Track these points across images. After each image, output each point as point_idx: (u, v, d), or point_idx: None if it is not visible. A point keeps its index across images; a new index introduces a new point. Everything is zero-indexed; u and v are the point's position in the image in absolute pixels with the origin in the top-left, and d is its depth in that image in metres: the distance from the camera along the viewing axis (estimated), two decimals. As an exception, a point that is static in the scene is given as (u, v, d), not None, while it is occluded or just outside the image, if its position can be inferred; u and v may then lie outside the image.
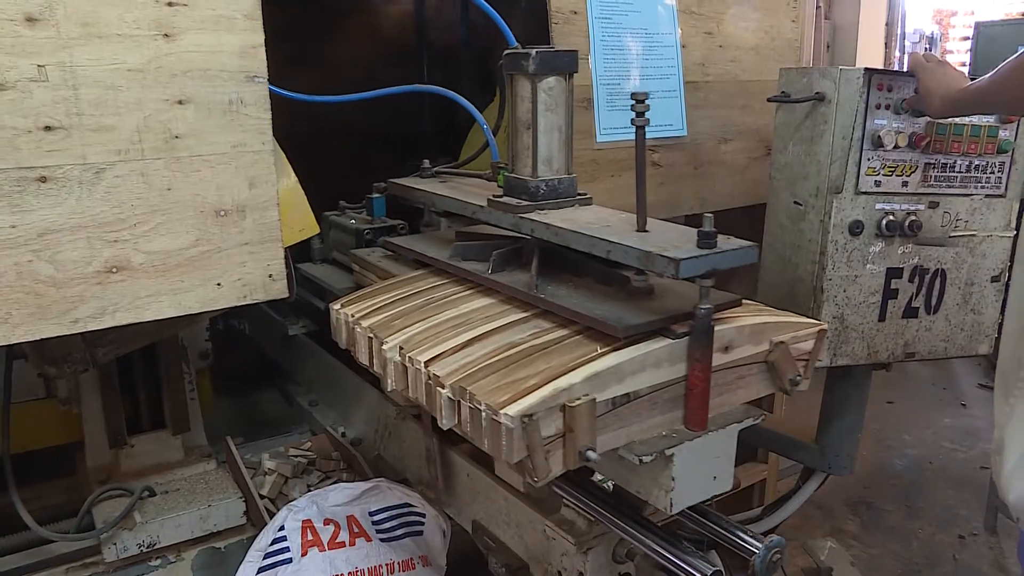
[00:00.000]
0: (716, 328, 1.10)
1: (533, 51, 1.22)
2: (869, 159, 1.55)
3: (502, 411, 0.99)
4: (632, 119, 1.12)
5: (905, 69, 1.51)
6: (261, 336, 2.21)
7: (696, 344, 1.08)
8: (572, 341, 1.11)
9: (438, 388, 1.06)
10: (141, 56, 1.13)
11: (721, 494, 1.14)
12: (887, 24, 4.56)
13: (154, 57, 1.13)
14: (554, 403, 1.00)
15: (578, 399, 1.01)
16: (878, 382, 1.81)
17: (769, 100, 1.62)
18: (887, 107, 1.53)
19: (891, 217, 1.57)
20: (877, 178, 1.56)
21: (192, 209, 1.21)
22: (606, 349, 1.07)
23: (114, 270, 1.16)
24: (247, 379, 2.19)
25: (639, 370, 1.06)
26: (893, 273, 1.59)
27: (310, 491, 1.58)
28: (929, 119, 1.54)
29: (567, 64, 1.24)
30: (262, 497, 1.63)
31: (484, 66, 2.01)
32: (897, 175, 1.56)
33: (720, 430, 1.13)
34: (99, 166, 1.13)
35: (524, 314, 1.19)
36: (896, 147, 1.54)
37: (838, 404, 1.77)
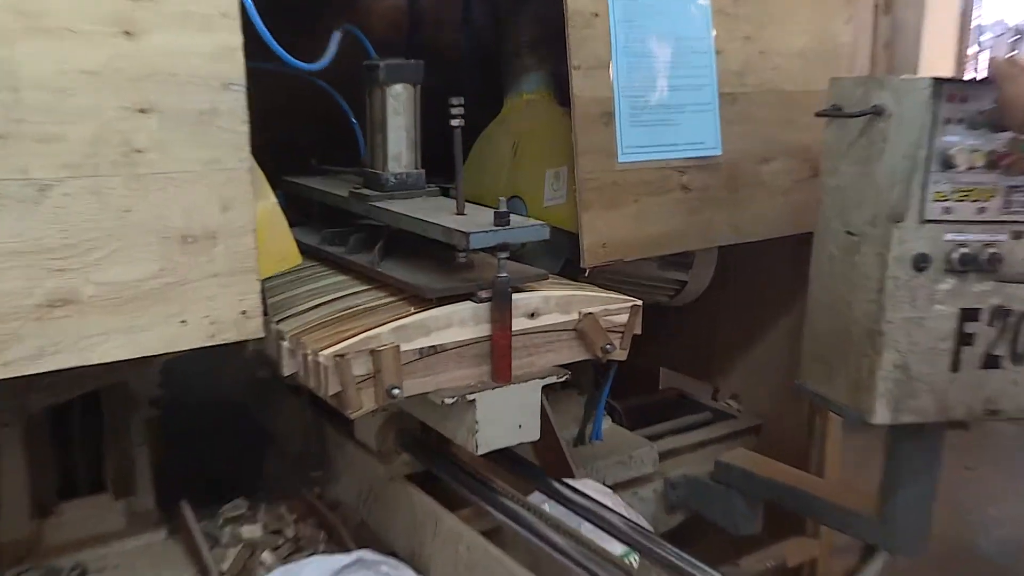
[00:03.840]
0: (522, 296, 1.44)
1: (382, 63, 1.58)
2: (937, 182, 1.48)
3: (321, 352, 1.30)
4: (450, 122, 1.40)
5: (984, 75, 1.41)
6: (225, 379, 2.20)
7: (496, 307, 1.39)
8: (396, 304, 1.44)
9: (279, 341, 1.38)
10: (97, 56, 1.11)
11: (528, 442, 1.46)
12: (961, 14, 3.89)
13: (113, 57, 1.14)
14: (364, 347, 1.31)
15: (385, 345, 1.31)
16: (954, 444, 1.73)
17: (818, 115, 1.60)
18: (960, 121, 1.44)
19: (964, 250, 1.50)
20: (947, 204, 1.50)
21: (154, 235, 1.21)
22: (418, 309, 1.39)
23: (58, 304, 1.14)
24: (207, 431, 2.17)
25: (444, 326, 1.38)
26: (968, 315, 1.54)
27: (281, 566, 1.56)
28: (1014, 135, 1.44)
29: (412, 74, 1.59)
30: (222, 574, 1.58)
31: (489, 69, 2.01)
32: (972, 200, 1.50)
33: (523, 383, 1.44)
34: (44, 182, 1.12)
35: (366, 286, 1.55)
36: (971, 168, 1.47)
37: (904, 469, 1.70)
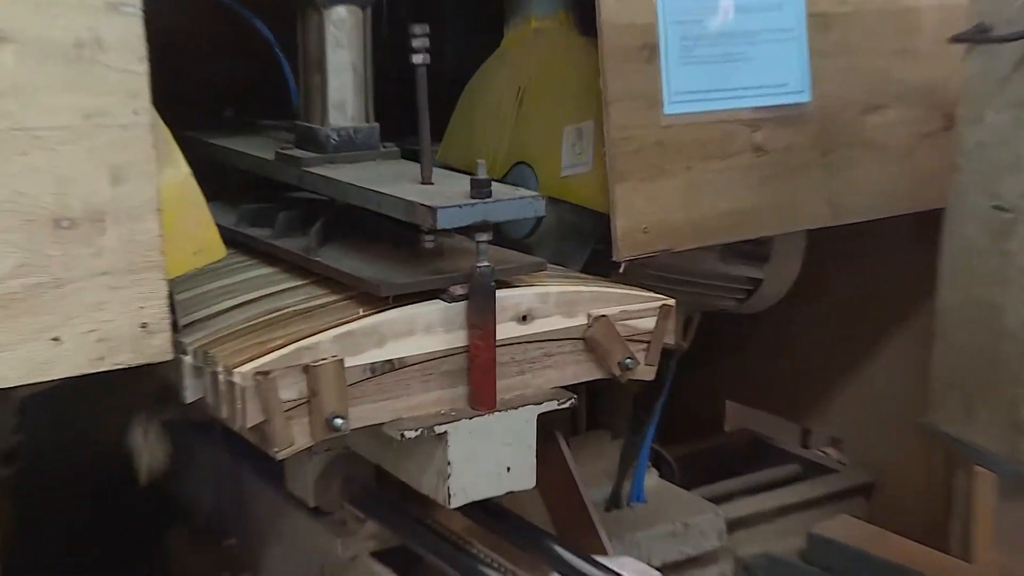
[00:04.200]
0: (511, 294, 1.46)
1: None
2: None
3: (236, 370, 1.30)
4: (411, 58, 1.40)
5: None
6: (111, 423, 2.21)
7: (475, 308, 1.41)
8: (340, 305, 1.45)
9: (179, 356, 1.37)
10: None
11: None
12: None
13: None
14: (295, 362, 1.32)
15: (324, 359, 1.32)
16: None
17: (953, 40, 1.57)
18: None
19: None
20: None
21: (15, 216, 1.20)
22: (370, 311, 1.39)
23: None
24: (82, 495, 2.17)
25: (405, 334, 1.39)
26: None
27: None
28: None
29: None
30: None
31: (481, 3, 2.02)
32: None
33: (511, 411, 1.45)
34: None
35: (301, 281, 1.56)
36: None
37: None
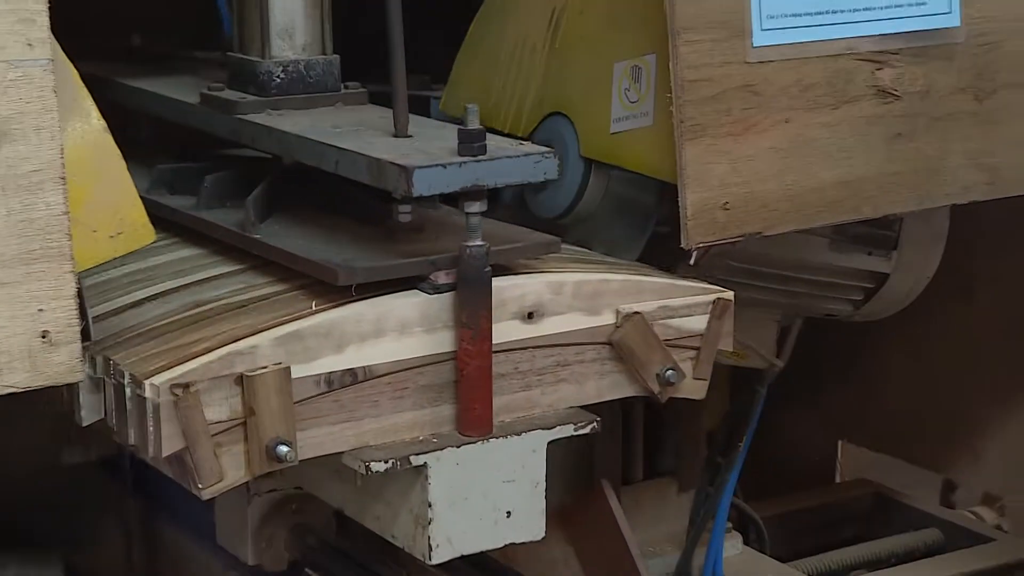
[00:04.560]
0: (513, 283, 1.47)
1: None
2: None
3: (147, 381, 1.30)
4: None
5: None
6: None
7: (463, 301, 1.41)
8: (285, 298, 1.46)
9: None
10: None
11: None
12: None
13: None
14: (226, 371, 1.32)
15: (264, 368, 1.32)
16: None
17: None
18: None
19: None
20: None
21: None
22: (325, 305, 1.40)
23: None
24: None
25: (371, 335, 1.40)
26: None
27: None
28: None
29: None
30: None
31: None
32: None
33: (512, 437, 1.46)
34: None
35: (235, 266, 1.58)
36: None
37: None
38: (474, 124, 1.45)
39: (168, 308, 1.50)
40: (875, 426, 2.56)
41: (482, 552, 1.53)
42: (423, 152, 1.46)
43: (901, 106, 1.80)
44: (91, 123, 1.37)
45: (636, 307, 1.55)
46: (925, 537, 2.43)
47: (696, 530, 2.18)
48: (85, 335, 1.34)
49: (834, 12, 1.74)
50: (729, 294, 1.62)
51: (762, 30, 1.70)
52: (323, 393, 1.40)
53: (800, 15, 1.73)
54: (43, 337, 1.29)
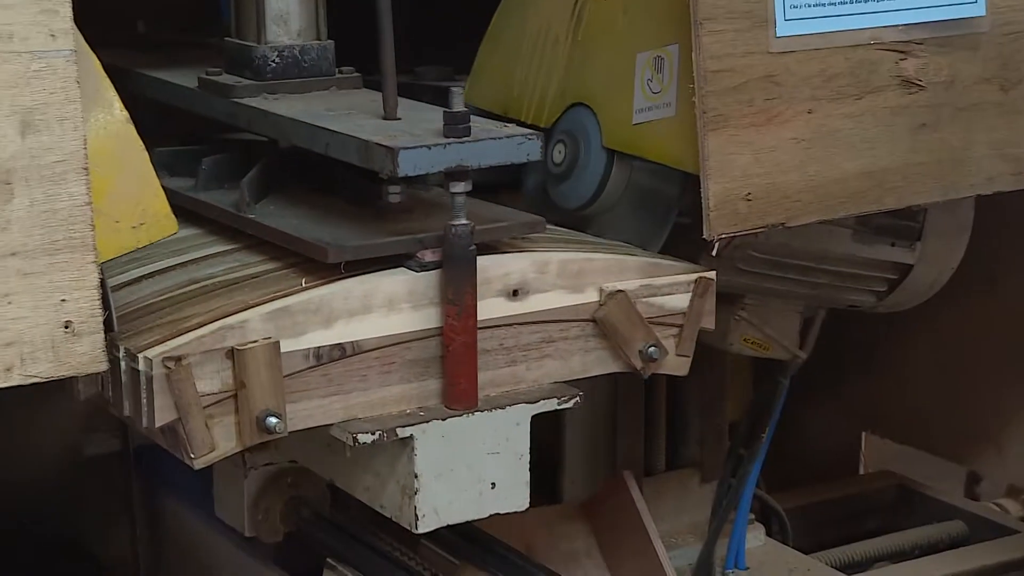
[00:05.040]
0: (499, 261, 1.52)
1: None
2: None
3: (141, 354, 1.34)
4: None
5: None
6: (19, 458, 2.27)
7: (449, 278, 1.46)
8: (277, 275, 1.51)
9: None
10: None
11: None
12: None
13: None
14: (217, 345, 1.37)
15: (254, 342, 1.37)
16: None
17: None
18: None
19: None
20: None
21: None
22: (314, 283, 1.45)
23: None
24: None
25: (359, 311, 1.44)
26: None
27: None
28: None
29: None
30: None
31: None
32: None
33: (497, 411, 1.50)
34: None
35: (230, 245, 1.62)
36: None
37: None
38: (459, 106, 1.49)
39: (164, 285, 1.53)
40: (899, 418, 2.55)
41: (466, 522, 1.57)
42: (410, 134, 1.50)
43: (925, 96, 1.79)
44: (114, 114, 1.38)
45: (619, 285, 1.59)
46: (949, 529, 2.43)
47: (718, 521, 2.18)
48: (108, 325, 1.34)
49: (858, 2, 1.73)
50: (711, 273, 1.66)
51: (785, 20, 1.69)
52: (312, 367, 1.43)
53: (824, 5, 1.72)
54: (66, 327, 1.29)
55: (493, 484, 1.53)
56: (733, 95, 1.64)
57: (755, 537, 2.23)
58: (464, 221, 1.47)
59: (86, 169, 1.29)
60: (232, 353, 1.37)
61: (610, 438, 2.21)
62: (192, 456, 1.38)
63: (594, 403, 2.19)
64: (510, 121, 1.81)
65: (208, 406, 1.38)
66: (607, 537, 2.10)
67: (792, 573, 2.19)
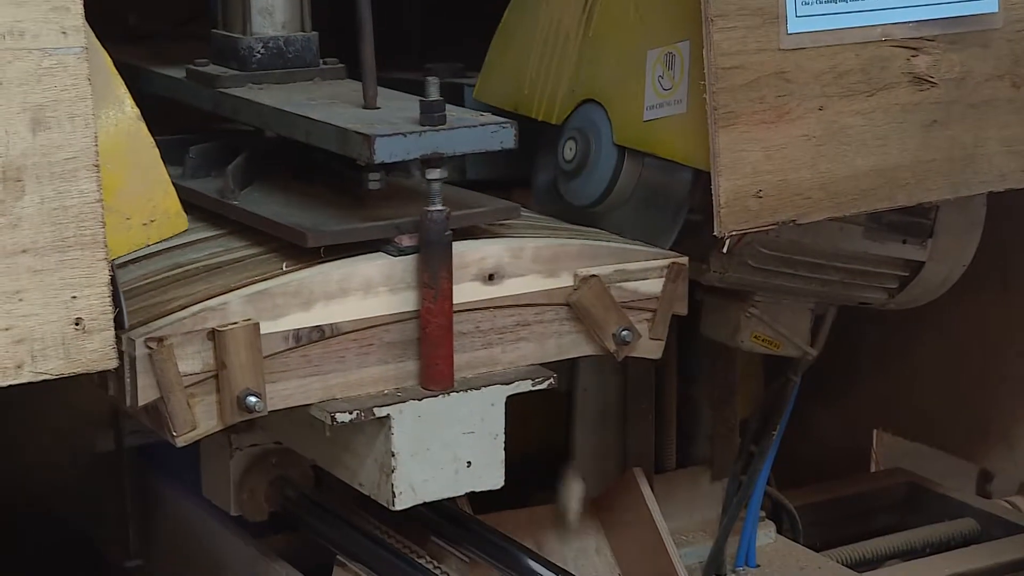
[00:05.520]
0: (474, 246, 1.56)
1: None
2: None
3: (124, 335, 1.35)
4: None
5: None
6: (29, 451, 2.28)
7: (425, 263, 1.50)
8: (259, 260, 1.55)
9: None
10: None
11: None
12: None
13: None
14: (198, 326, 1.41)
15: (234, 323, 1.40)
16: None
17: None
18: None
19: None
20: None
21: None
22: (293, 267, 1.49)
23: None
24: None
25: (338, 294, 1.48)
26: None
27: None
28: None
29: None
30: None
31: None
32: None
33: (472, 392, 1.55)
34: None
35: (215, 231, 1.65)
36: None
37: None
38: (434, 95, 1.52)
39: (149, 270, 1.56)
40: (910, 415, 2.55)
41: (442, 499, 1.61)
42: (387, 122, 1.55)
43: (937, 93, 1.79)
44: (125, 111, 1.39)
45: (593, 270, 1.63)
46: (961, 527, 2.42)
47: (729, 518, 2.17)
48: (119, 322, 1.34)
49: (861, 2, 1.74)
50: (684, 259, 1.70)
51: (797, 16, 1.69)
52: (291, 348, 1.47)
53: (835, 1, 1.71)
54: (76, 324, 1.30)
55: (469, 463, 1.57)
56: (744, 92, 1.64)
57: (766, 534, 2.23)
58: (440, 207, 1.51)
59: (97, 166, 1.29)
60: (213, 334, 1.41)
61: (620, 435, 2.21)
62: (174, 434, 1.42)
63: (605, 400, 2.20)
64: (521, 118, 1.82)
65: (190, 386, 1.42)
66: (617, 534, 2.09)
67: (803, 571, 2.19)
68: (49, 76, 1.26)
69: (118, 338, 1.34)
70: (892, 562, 2.32)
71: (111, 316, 1.32)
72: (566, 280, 1.62)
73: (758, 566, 2.18)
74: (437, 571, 1.77)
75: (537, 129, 1.91)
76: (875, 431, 2.68)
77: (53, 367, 1.29)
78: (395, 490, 1.52)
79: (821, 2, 1.71)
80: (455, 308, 1.53)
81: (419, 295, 1.52)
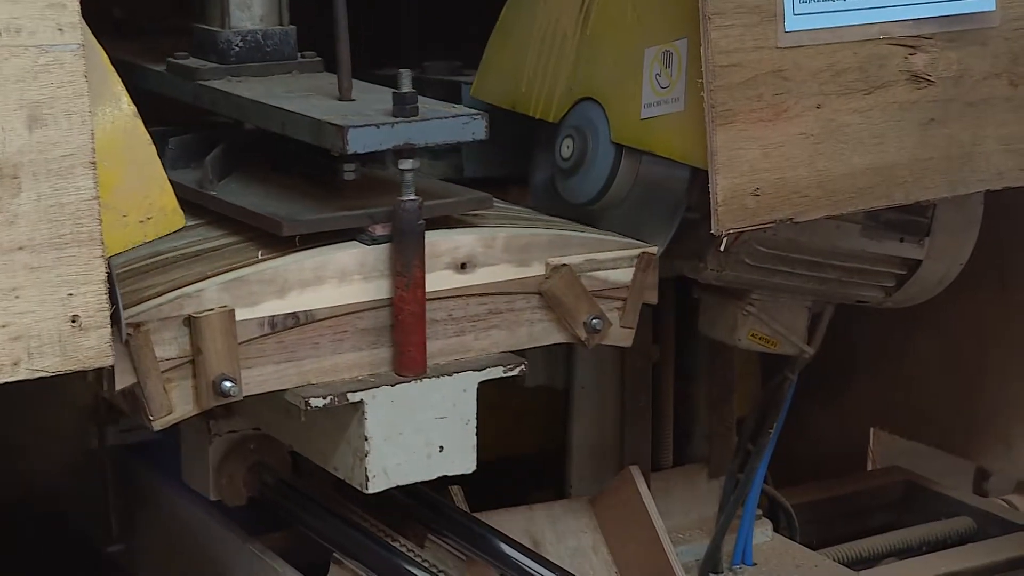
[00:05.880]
0: (447, 236, 1.59)
1: None
2: None
3: None
4: None
5: None
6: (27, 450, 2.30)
7: (398, 251, 1.53)
8: (235, 248, 1.57)
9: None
10: None
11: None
12: None
13: None
14: (175, 313, 1.44)
15: (210, 310, 1.44)
16: None
17: None
18: None
19: None
20: None
21: None
22: (269, 255, 1.52)
23: None
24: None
25: (312, 282, 1.52)
26: None
27: None
28: None
29: None
30: None
31: None
32: None
33: (445, 378, 1.58)
34: None
35: (194, 220, 1.66)
36: None
37: None
38: (407, 87, 1.56)
39: (128, 258, 1.56)
40: (907, 413, 2.55)
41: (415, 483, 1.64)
42: (360, 113, 1.58)
43: (934, 91, 1.79)
44: (121, 108, 1.38)
45: (564, 260, 1.66)
46: (957, 525, 2.42)
47: (726, 516, 2.17)
48: (115, 319, 1.35)
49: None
50: (653, 248, 1.74)
51: (795, 14, 1.69)
52: (267, 334, 1.50)
53: (834, -1, 1.72)
54: (73, 321, 1.30)
55: (441, 447, 1.60)
56: (742, 90, 1.64)
57: (762, 533, 2.23)
58: (413, 197, 1.54)
59: (94, 163, 1.29)
60: (189, 320, 1.44)
61: (617, 433, 2.21)
62: (151, 418, 1.45)
63: (602, 398, 2.20)
64: (518, 116, 1.82)
65: (166, 371, 1.45)
66: (614, 532, 2.09)
67: (799, 569, 2.19)
68: (45, 73, 1.26)
69: (117, 336, 1.35)
70: (888, 560, 2.32)
71: (108, 313, 1.31)
72: (538, 269, 1.65)
73: (755, 564, 2.18)
74: (434, 569, 1.77)
75: (534, 127, 1.91)
76: (872, 429, 2.68)
77: (49, 364, 1.29)
78: (368, 474, 1.55)
79: (819, 0, 1.71)
80: (428, 296, 1.56)
81: (392, 283, 1.55)
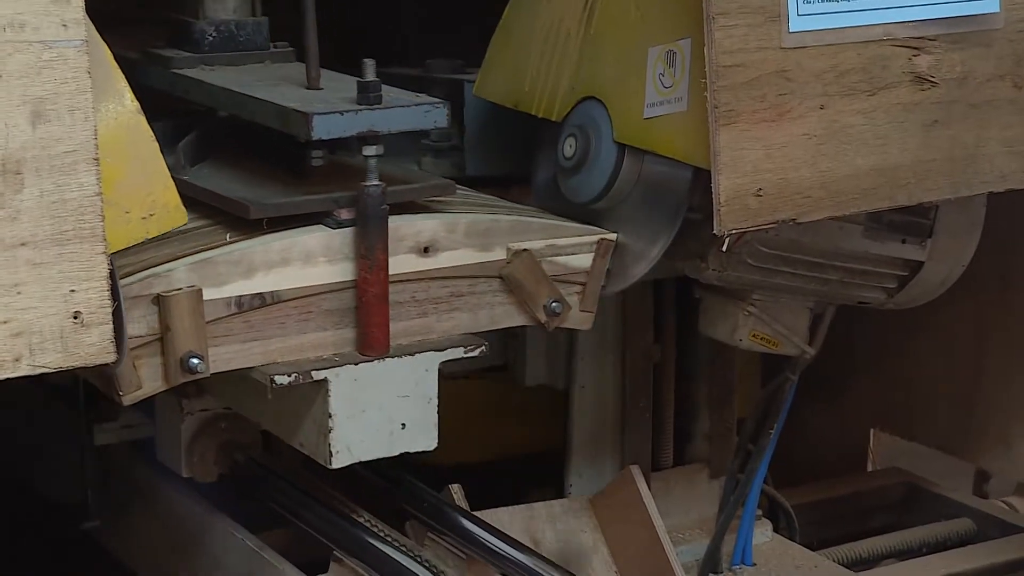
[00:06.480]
0: (410, 220, 1.65)
1: None
2: None
3: None
4: None
5: None
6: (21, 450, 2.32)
7: (363, 235, 1.58)
8: (205, 231, 1.62)
9: None
10: None
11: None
12: None
13: None
14: (145, 292, 1.48)
15: (178, 289, 1.49)
16: None
17: None
18: None
19: None
20: None
21: None
22: (236, 237, 1.57)
23: None
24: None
25: (278, 264, 1.57)
26: None
27: None
28: None
29: None
30: None
31: None
32: None
33: (407, 357, 1.64)
34: None
35: None
36: None
37: None
38: (371, 76, 1.61)
39: None
40: (907, 415, 2.55)
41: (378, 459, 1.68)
42: (326, 101, 1.63)
43: (938, 93, 1.79)
44: (124, 104, 1.39)
45: (525, 245, 1.71)
46: (957, 527, 2.43)
47: (726, 517, 2.17)
48: (117, 316, 1.34)
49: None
50: (612, 235, 1.78)
51: (798, 15, 1.69)
52: (234, 314, 1.55)
53: (837, 0, 1.72)
54: (75, 318, 1.30)
55: (403, 425, 1.65)
56: (745, 90, 1.64)
57: (762, 533, 2.24)
58: (376, 182, 1.59)
59: (96, 159, 1.29)
60: (158, 299, 1.49)
61: (618, 433, 2.21)
62: (120, 393, 1.49)
63: (602, 398, 2.20)
64: (521, 115, 1.82)
65: (135, 348, 1.48)
66: (614, 532, 2.10)
67: (799, 569, 2.19)
68: (49, 69, 1.26)
69: (117, 341, 1.35)
70: (888, 561, 2.32)
71: (110, 310, 1.32)
72: (499, 254, 1.70)
73: (754, 564, 2.18)
74: (434, 568, 1.78)
75: (537, 126, 1.91)
76: (872, 430, 2.68)
77: (51, 360, 1.30)
78: (332, 449, 1.61)
79: (823, 1, 1.71)
80: (391, 279, 1.61)
81: (356, 266, 1.60)
